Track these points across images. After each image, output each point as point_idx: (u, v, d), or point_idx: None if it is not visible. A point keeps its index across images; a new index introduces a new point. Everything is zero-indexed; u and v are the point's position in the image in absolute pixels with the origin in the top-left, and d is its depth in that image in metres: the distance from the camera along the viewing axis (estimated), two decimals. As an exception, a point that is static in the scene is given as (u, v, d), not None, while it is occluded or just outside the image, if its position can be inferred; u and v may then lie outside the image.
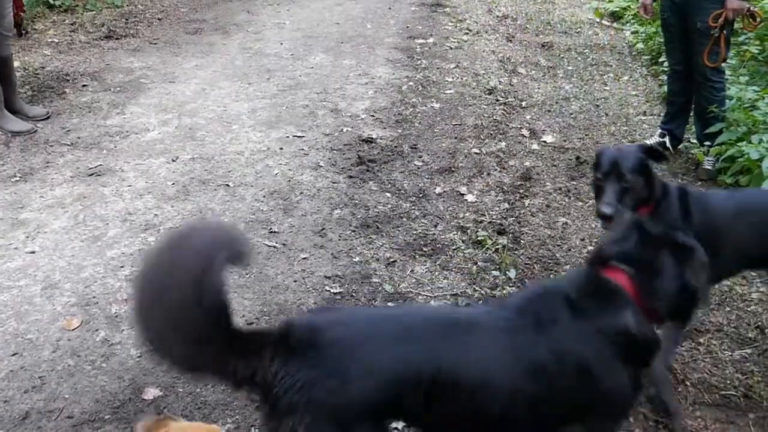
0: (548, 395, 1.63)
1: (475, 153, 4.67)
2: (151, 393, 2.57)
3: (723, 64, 4.22)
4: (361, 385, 1.50)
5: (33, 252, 3.40)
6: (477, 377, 1.59)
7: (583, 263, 1.92)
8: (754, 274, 3.34)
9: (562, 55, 6.92)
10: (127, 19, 7.60)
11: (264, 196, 4.01)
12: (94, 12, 7.68)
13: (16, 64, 5.72)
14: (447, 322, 1.67)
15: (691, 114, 4.64)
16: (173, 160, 4.39)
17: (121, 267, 3.31)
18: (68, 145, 4.57)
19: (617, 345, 1.64)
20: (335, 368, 1.49)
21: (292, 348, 1.52)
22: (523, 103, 5.62)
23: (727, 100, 4.37)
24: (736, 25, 4.22)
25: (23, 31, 4.79)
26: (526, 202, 4.06)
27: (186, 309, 1.42)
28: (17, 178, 4.10)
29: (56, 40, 6.64)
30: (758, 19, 4.12)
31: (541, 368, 1.61)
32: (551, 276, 3.34)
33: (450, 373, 1.57)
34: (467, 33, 7.62)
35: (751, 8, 4.07)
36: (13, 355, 2.74)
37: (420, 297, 3.18)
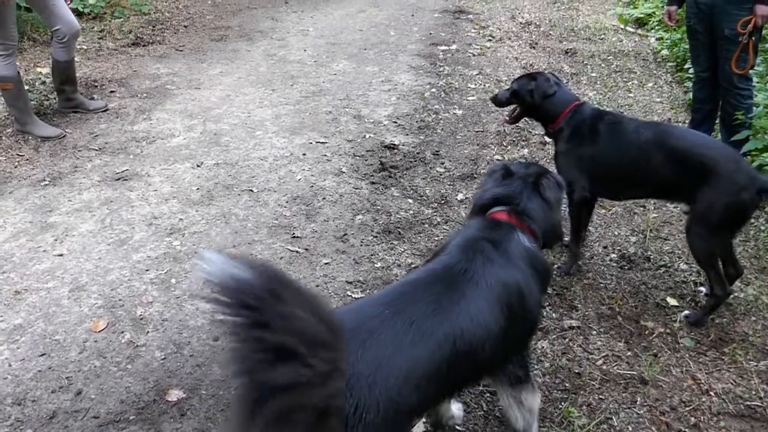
0: (512, 325, 1.91)
1: (498, 160, 4.66)
2: (175, 395, 2.60)
3: (750, 71, 4.17)
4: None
5: (61, 255, 3.47)
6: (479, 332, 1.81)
7: (469, 214, 2.35)
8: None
9: (585, 62, 6.88)
10: (153, 27, 7.72)
11: (287, 202, 4.04)
12: (122, 19, 7.82)
13: (44, 70, 5.87)
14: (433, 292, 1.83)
15: (717, 122, 4.59)
16: (198, 166, 4.45)
17: (147, 270, 3.36)
18: (96, 150, 4.65)
19: (530, 264, 2.04)
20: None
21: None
22: (546, 110, 5.59)
23: (754, 107, 4.31)
24: (764, 32, 4.17)
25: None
26: (549, 209, 4.04)
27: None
28: (46, 183, 4.18)
29: (85, 47, 6.77)
30: (787, 26, 4.06)
31: (506, 304, 1.90)
32: (574, 284, 3.33)
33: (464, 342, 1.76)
34: (490, 40, 7.62)
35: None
36: (41, 355, 2.79)
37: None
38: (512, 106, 3.51)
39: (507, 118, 3.52)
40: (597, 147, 3.09)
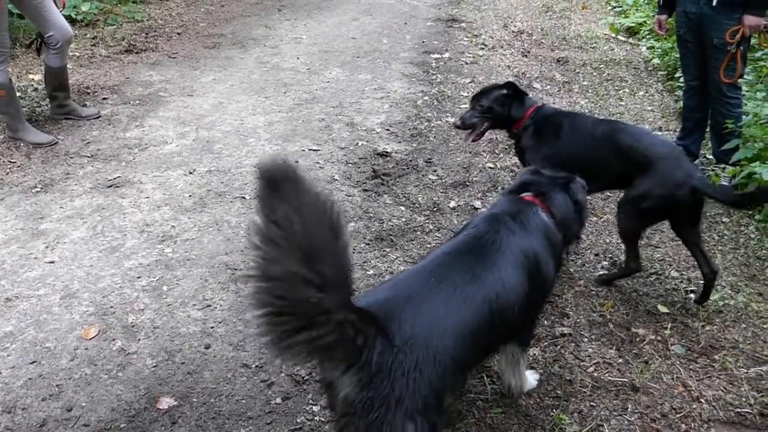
0: (531, 289, 2.15)
1: (490, 167, 4.68)
2: (165, 402, 2.59)
3: (739, 80, 4.21)
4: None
5: (52, 262, 3.46)
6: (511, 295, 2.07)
7: (506, 193, 2.60)
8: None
9: (577, 70, 6.93)
10: (146, 34, 7.72)
11: (279, 209, 4.03)
12: (115, 26, 7.81)
13: (37, 77, 5.86)
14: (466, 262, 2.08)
15: (707, 130, 4.62)
16: (190, 173, 4.44)
17: (138, 277, 3.35)
18: (88, 156, 4.64)
19: (545, 235, 2.31)
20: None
21: (386, 332, 1.74)
22: (538, 118, 5.61)
23: (744, 116, 4.35)
24: (752, 41, 4.21)
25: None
26: (541, 216, 4.05)
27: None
28: (38, 189, 4.17)
29: (77, 54, 6.76)
30: (775, 36, 4.11)
31: (527, 270, 2.14)
32: (566, 291, 3.34)
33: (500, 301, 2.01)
34: (483, 48, 7.66)
35: (768, 24, 4.07)
36: (32, 363, 2.78)
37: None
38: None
39: (472, 138, 3.63)
40: (559, 141, 3.32)
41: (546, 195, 2.45)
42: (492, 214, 2.31)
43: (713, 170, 4.47)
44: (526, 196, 2.46)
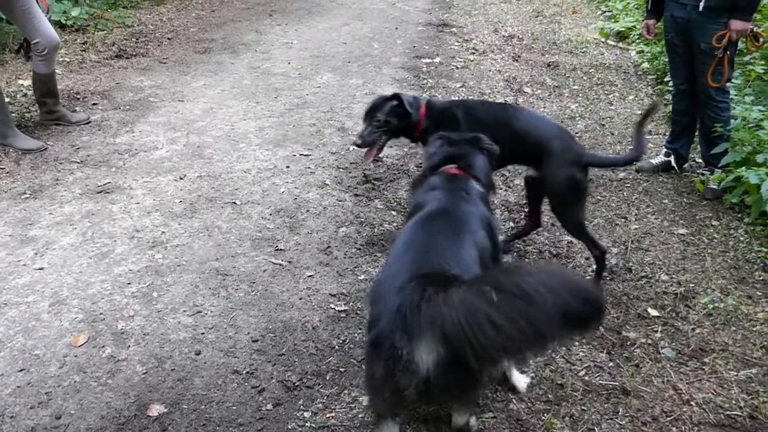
0: (491, 245, 2.45)
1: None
2: (156, 410, 2.58)
3: (728, 84, 4.23)
4: None
5: (41, 268, 3.44)
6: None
7: (426, 171, 2.75)
8: (760, 294, 3.35)
9: (567, 75, 6.95)
10: (137, 39, 7.70)
11: (270, 214, 4.04)
12: (105, 32, 7.79)
13: (26, 83, 5.84)
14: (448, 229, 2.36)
15: (697, 133, 4.65)
16: (181, 178, 4.43)
17: (128, 284, 3.34)
18: (78, 162, 4.62)
19: (485, 202, 2.62)
20: None
21: None
22: (529, 122, 5.62)
23: (732, 120, 4.37)
24: (740, 46, 4.24)
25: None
26: (531, 220, 4.06)
27: None
28: (27, 195, 4.15)
29: (67, 59, 6.74)
30: (761, 40, 4.14)
31: (485, 230, 2.43)
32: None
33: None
34: (473, 52, 7.68)
35: (754, 29, 4.09)
36: (20, 371, 2.76)
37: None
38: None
39: (373, 156, 3.53)
40: (460, 130, 3.28)
41: (471, 166, 2.71)
42: (450, 191, 2.56)
43: (703, 174, 4.50)
44: (451, 168, 2.69)
